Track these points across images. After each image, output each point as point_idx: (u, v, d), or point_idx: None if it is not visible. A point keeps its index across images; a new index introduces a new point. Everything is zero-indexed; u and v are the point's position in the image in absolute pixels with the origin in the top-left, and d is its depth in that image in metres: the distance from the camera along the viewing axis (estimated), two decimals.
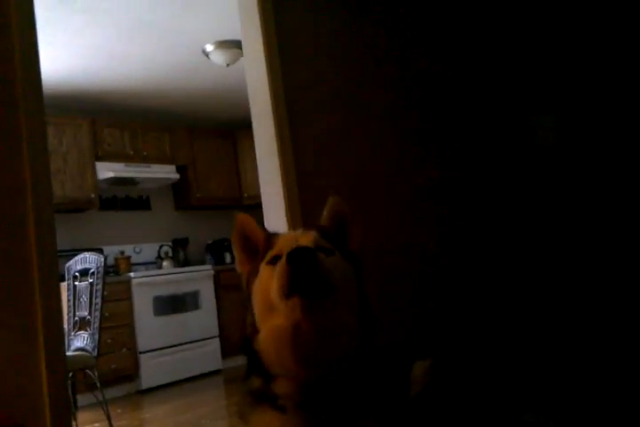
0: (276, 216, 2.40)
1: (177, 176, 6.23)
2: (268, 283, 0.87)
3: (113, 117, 5.92)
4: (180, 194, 6.57)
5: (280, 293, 0.82)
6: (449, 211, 2.12)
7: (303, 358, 0.84)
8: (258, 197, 2.58)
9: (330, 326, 0.84)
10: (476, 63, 2.18)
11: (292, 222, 2.38)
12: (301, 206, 2.42)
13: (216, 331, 5.79)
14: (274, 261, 0.89)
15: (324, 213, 1.02)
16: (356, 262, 0.96)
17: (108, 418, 3.55)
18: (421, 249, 2.11)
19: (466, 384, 0.97)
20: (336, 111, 2.39)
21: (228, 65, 4.73)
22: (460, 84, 2.17)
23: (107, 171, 5.63)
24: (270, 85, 2.31)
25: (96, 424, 3.96)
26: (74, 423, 3.49)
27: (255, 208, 2.51)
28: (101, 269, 3.56)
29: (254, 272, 0.95)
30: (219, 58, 4.68)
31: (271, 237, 0.98)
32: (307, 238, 0.91)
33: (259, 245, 1.01)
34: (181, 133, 6.41)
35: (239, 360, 4.93)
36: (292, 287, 0.81)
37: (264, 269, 0.91)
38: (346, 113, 2.38)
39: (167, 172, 6.18)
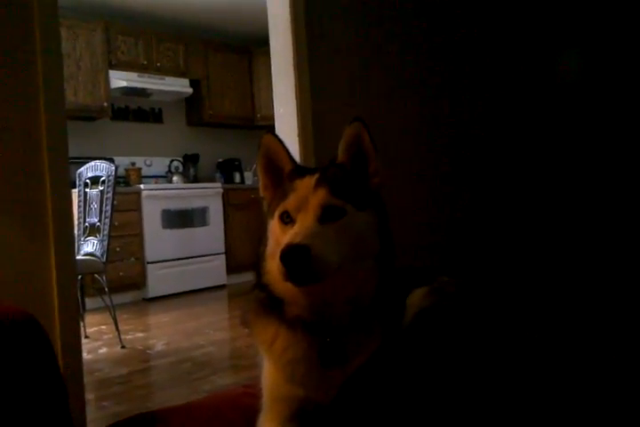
0: (288, 138, 2.37)
1: (190, 90, 6.13)
2: (278, 236, 0.88)
3: (127, 24, 5.73)
4: (193, 109, 6.48)
5: (279, 276, 0.83)
6: (466, 147, 2.09)
7: (314, 311, 0.87)
8: (271, 117, 2.54)
9: (342, 291, 0.87)
10: None
11: (304, 145, 2.36)
12: (315, 129, 2.39)
13: (222, 248, 5.92)
14: (284, 218, 0.89)
15: (341, 144, 0.95)
16: (376, 202, 0.94)
17: (115, 321, 3.71)
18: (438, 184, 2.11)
19: (463, 311, 0.97)
20: (358, 27, 2.30)
21: None
22: (476, 13, 2.06)
23: (119, 80, 5.54)
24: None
25: (103, 327, 4.15)
26: (81, 324, 3.66)
27: (268, 129, 2.48)
28: (112, 178, 3.59)
29: (276, 200, 0.93)
30: None
31: (294, 175, 0.94)
32: (317, 199, 0.87)
33: (283, 173, 0.97)
34: (196, 46, 6.23)
35: (244, 277, 5.05)
36: (287, 278, 0.81)
37: (276, 223, 0.90)
38: (367, 29, 2.29)
39: (180, 85, 6.07)
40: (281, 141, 0.99)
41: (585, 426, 0.77)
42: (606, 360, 0.89)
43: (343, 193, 0.89)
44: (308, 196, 0.88)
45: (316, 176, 0.91)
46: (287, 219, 0.89)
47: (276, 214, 0.90)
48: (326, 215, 0.86)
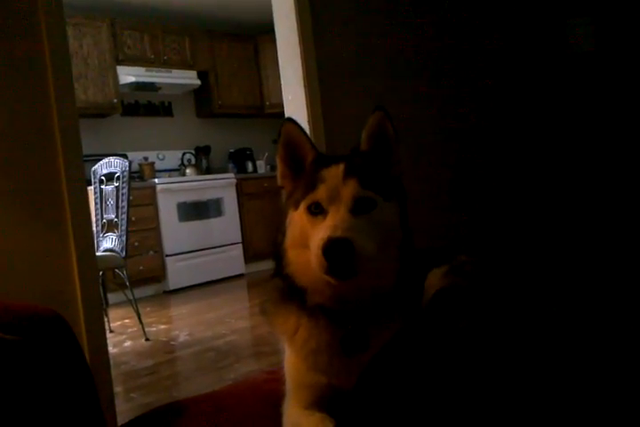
0: None
1: (198, 82, 6.13)
2: (305, 227, 0.87)
3: (132, 19, 5.73)
4: (202, 101, 6.48)
5: (317, 269, 0.81)
6: (480, 126, 2.07)
7: (338, 300, 0.87)
8: (281, 105, 2.54)
9: (369, 282, 0.86)
10: None
11: (315, 131, 2.36)
12: (325, 114, 2.39)
13: (239, 237, 5.95)
14: (312, 209, 0.88)
15: (364, 133, 0.94)
16: (398, 190, 0.94)
17: (138, 315, 3.77)
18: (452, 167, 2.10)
19: (482, 290, 0.97)
20: (363, 9, 2.28)
21: None
22: None
23: (128, 75, 5.55)
24: None
25: (126, 320, 4.21)
26: (105, 319, 3.72)
27: (278, 117, 2.46)
28: (126, 174, 3.61)
29: (299, 189, 0.92)
30: None
31: (319, 165, 0.92)
32: (348, 190, 0.86)
33: (305, 162, 0.96)
34: (201, 37, 6.22)
35: (262, 265, 5.08)
36: (327, 271, 0.81)
37: (302, 214, 0.89)
38: (373, 13, 2.27)
39: (188, 77, 6.07)
40: (302, 129, 0.97)
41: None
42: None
43: (372, 184, 0.88)
44: (338, 187, 0.87)
45: (343, 166, 0.90)
46: (316, 210, 0.87)
47: (303, 205, 0.89)
48: (358, 207, 0.86)
